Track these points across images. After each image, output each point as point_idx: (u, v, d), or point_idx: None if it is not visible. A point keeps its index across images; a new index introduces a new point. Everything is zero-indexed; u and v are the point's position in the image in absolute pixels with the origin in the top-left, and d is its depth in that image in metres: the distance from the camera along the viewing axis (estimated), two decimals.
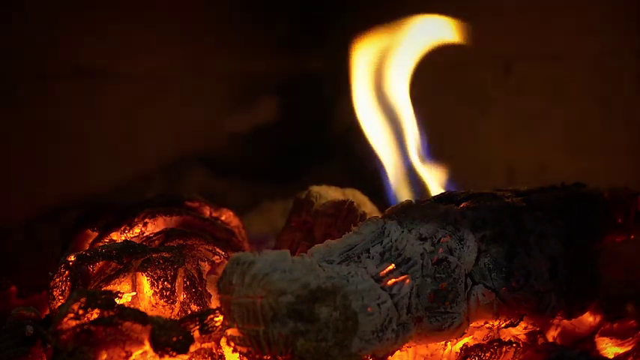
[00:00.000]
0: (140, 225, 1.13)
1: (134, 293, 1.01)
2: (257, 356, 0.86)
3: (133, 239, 1.11)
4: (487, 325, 1.00)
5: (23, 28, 1.55)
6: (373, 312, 0.87)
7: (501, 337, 1.03)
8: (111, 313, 0.88)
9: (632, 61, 1.56)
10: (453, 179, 1.25)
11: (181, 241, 1.10)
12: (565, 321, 1.08)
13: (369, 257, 0.92)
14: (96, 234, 1.15)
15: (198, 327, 0.91)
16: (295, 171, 2.03)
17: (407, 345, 0.94)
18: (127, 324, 0.87)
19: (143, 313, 0.90)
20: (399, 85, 1.26)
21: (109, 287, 1.00)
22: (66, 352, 0.86)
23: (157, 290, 1.02)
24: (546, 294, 0.99)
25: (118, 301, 0.93)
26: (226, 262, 0.93)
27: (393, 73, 1.27)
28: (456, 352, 1.02)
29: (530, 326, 1.02)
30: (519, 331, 1.03)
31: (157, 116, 1.84)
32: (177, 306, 1.02)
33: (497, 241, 0.98)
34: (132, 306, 0.98)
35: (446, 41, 1.27)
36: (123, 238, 1.12)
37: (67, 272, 1.03)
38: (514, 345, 1.01)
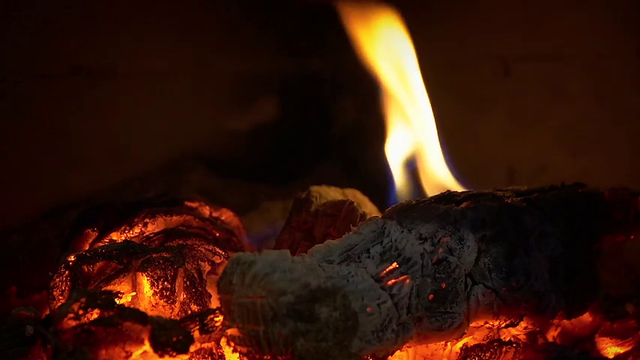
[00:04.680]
0: (140, 225, 1.13)
1: (134, 293, 1.01)
2: (257, 356, 0.86)
3: (133, 239, 1.11)
4: (487, 325, 1.00)
5: (22, 28, 1.55)
6: (373, 312, 0.87)
7: (501, 337, 1.03)
8: (111, 313, 0.88)
9: (632, 61, 1.56)
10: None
11: (181, 241, 1.10)
12: (565, 321, 1.08)
13: (369, 257, 0.92)
14: (96, 234, 1.15)
15: (198, 327, 0.91)
16: (295, 171, 2.03)
17: (407, 345, 0.94)
18: (127, 324, 0.87)
19: (143, 313, 0.90)
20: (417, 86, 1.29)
21: (109, 287, 1.01)
22: (66, 352, 0.86)
23: (157, 290, 1.02)
24: (546, 294, 0.99)
25: (118, 301, 0.94)
26: (226, 262, 0.93)
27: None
28: (456, 352, 1.02)
29: (530, 326, 1.02)
30: (519, 331, 1.03)
31: (157, 116, 1.83)
32: (177, 306, 1.02)
33: (497, 241, 0.98)
34: (132, 306, 0.98)
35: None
36: (123, 238, 1.12)
37: (67, 272, 1.03)
38: (514, 345, 1.01)
